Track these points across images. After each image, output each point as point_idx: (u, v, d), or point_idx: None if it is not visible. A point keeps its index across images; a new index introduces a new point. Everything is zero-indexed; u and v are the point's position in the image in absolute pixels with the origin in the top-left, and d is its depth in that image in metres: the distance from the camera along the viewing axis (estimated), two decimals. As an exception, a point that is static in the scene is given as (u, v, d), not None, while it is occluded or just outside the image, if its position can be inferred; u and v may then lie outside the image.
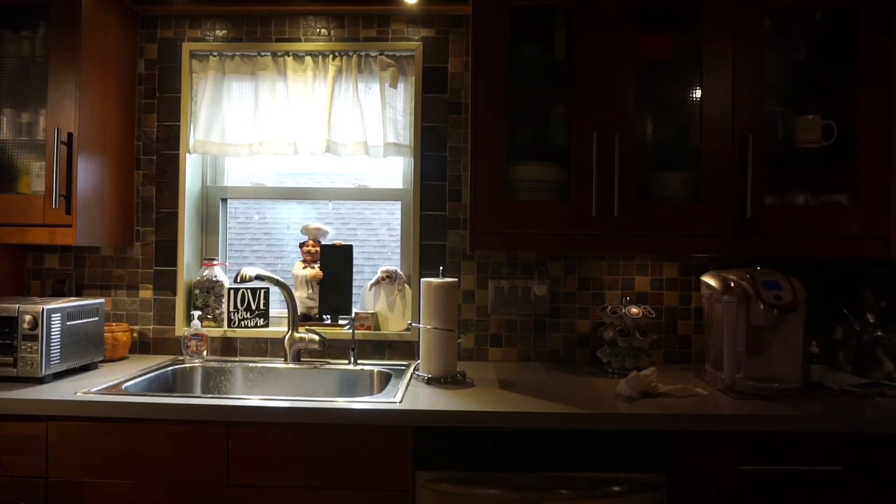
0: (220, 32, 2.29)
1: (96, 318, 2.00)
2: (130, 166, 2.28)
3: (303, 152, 2.23)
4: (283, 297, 2.19)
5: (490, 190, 1.85)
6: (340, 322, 2.27)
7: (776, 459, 1.56)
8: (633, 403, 1.66)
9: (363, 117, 2.23)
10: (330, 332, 2.21)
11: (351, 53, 2.24)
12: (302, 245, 2.35)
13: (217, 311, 2.28)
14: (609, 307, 2.08)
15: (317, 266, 2.31)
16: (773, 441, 1.56)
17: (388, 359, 2.23)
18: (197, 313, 2.20)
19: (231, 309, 2.26)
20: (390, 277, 2.28)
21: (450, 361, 1.91)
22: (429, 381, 1.88)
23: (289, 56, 2.25)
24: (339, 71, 2.24)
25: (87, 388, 1.74)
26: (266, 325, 2.29)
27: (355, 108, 2.23)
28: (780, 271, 1.80)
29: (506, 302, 2.23)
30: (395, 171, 2.40)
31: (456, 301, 1.97)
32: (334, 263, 2.29)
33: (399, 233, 2.37)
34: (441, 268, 2.15)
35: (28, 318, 1.77)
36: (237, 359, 2.23)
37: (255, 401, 1.66)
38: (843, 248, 1.84)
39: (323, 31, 2.28)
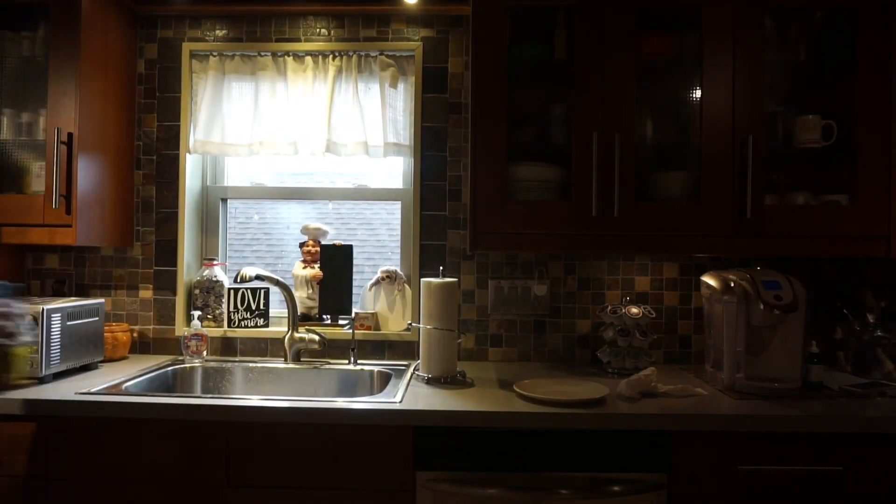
0: (220, 32, 2.29)
1: (96, 318, 2.00)
2: (130, 166, 2.28)
3: (303, 152, 2.23)
4: (283, 297, 2.19)
5: (490, 190, 1.85)
6: (340, 322, 2.27)
7: (776, 459, 1.56)
8: (633, 403, 1.66)
9: (363, 117, 2.23)
10: (330, 332, 2.21)
11: (351, 53, 2.24)
12: (302, 245, 2.35)
13: (217, 311, 2.28)
14: (609, 307, 2.08)
15: (317, 266, 2.31)
16: (773, 441, 1.56)
17: (388, 359, 2.23)
18: (197, 313, 2.20)
19: (231, 309, 2.26)
20: (390, 277, 2.28)
21: (450, 361, 1.91)
22: (429, 381, 1.88)
23: (289, 56, 2.25)
24: (339, 71, 2.24)
25: (87, 388, 1.74)
26: (266, 325, 2.29)
27: (355, 108, 2.23)
28: (780, 271, 1.80)
29: (506, 302, 2.23)
30: (395, 171, 2.39)
31: (456, 301, 1.97)
32: (334, 263, 2.29)
33: (399, 233, 2.37)
34: (441, 268, 2.15)
35: (28, 318, 1.77)
36: (237, 359, 2.23)
37: (254, 401, 1.66)
38: (843, 248, 1.84)
39: (323, 31, 2.28)
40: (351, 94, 2.23)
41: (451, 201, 2.25)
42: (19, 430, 1.64)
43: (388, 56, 2.24)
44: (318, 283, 2.29)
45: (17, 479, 1.64)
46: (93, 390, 1.71)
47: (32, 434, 1.64)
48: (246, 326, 2.26)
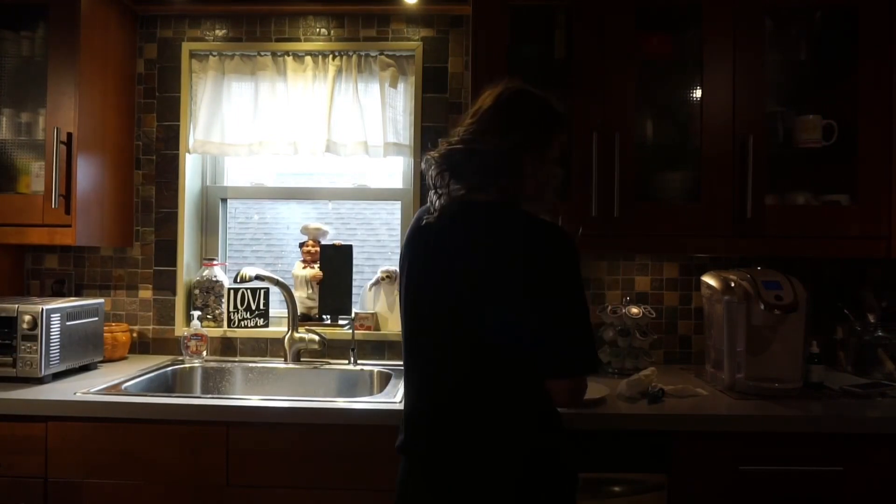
0: (219, 32, 2.29)
1: (96, 319, 2.00)
2: (130, 166, 2.27)
3: (303, 152, 2.23)
4: (283, 297, 2.18)
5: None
6: (340, 322, 2.26)
7: (776, 459, 1.56)
8: (633, 403, 1.66)
9: (363, 117, 2.22)
10: (330, 332, 2.21)
11: (351, 53, 2.24)
12: (302, 245, 2.35)
13: (217, 311, 2.28)
14: (609, 307, 2.08)
15: (317, 266, 2.31)
16: (773, 441, 1.56)
17: (388, 359, 2.23)
18: (197, 313, 2.20)
19: (231, 309, 2.26)
20: (390, 277, 2.28)
21: (450, 361, 1.90)
22: (429, 382, 1.87)
23: (289, 56, 2.25)
24: (338, 71, 2.24)
25: (87, 388, 1.73)
26: (266, 325, 2.29)
27: (355, 108, 2.22)
28: (781, 271, 1.80)
29: (506, 302, 2.22)
30: (395, 171, 2.39)
31: (456, 301, 1.96)
32: (334, 263, 2.29)
33: (399, 233, 2.36)
34: (441, 268, 2.14)
35: (27, 318, 1.77)
36: (237, 359, 2.23)
37: (254, 401, 1.66)
38: (843, 248, 1.84)
39: (323, 30, 2.27)
40: (351, 93, 2.23)
41: (451, 201, 2.25)
42: (19, 431, 1.64)
43: (387, 56, 2.24)
44: (317, 283, 2.29)
45: (17, 479, 1.63)
46: (92, 390, 1.71)
47: (32, 434, 1.63)
48: (246, 326, 2.26)
